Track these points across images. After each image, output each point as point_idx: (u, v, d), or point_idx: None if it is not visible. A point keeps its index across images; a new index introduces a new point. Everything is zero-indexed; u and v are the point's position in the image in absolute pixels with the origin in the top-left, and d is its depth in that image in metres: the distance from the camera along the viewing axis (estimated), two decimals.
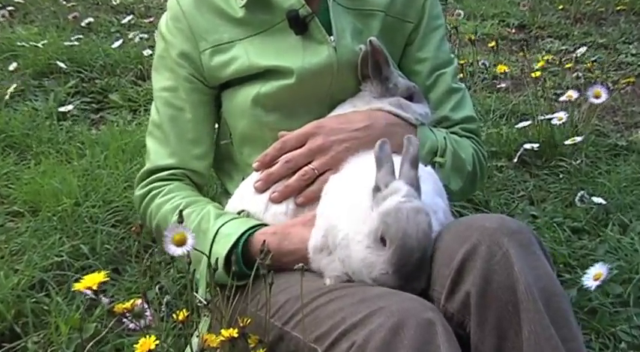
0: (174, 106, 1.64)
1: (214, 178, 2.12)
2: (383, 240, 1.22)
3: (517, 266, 1.16)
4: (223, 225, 1.45)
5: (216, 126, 1.73)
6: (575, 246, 2.14)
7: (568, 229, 2.22)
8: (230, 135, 1.68)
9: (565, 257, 2.07)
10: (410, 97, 1.62)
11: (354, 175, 1.40)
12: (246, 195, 1.55)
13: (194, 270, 1.33)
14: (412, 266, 1.20)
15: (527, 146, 2.40)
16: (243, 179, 1.62)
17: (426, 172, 1.40)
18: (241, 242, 1.42)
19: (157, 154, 1.65)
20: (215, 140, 1.72)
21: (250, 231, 1.43)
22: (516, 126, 2.54)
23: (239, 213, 1.52)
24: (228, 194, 1.68)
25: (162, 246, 1.29)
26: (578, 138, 2.63)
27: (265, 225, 1.47)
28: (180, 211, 1.40)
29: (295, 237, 1.40)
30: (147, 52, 3.52)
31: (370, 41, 1.54)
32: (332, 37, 1.57)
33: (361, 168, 1.39)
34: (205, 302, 1.30)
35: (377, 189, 1.28)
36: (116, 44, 3.69)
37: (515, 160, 2.54)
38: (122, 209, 2.25)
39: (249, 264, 1.39)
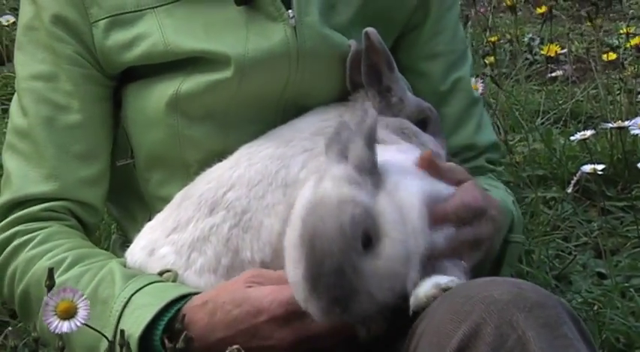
0: (51, 103, 1.67)
1: (105, 218, 2.14)
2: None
3: None
4: (138, 291, 1.49)
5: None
6: None
7: None
8: (131, 154, 1.72)
9: None
10: (422, 124, 1.70)
11: None
12: (159, 242, 1.58)
13: None
14: (328, 276, 1.26)
15: (588, 168, 2.45)
16: (150, 219, 1.66)
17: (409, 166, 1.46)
18: (166, 318, 1.45)
19: (23, 178, 1.67)
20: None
21: (183, 301, 1.46)
22: (572, 138, 2.58)
23: (161, 274, 1.55)
24: (127, 244, 1.71)
25: (29, 322, 1.31)
26: None
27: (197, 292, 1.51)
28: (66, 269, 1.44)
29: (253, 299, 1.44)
30: (5, 19, 3.55)
31: (367, 34, 1.61)
32: (290, 12, 1.63)
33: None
34: None
35: (319, 179, 1.37)
36: None
37: (571, 190, 2.59)
38: None
39: None
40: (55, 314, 1.29)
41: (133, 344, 1.41)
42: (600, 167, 2.51)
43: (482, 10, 3.93)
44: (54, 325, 1.29)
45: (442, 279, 1.34)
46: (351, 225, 1.28)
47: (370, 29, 1.61)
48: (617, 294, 2.27)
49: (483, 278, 1.35)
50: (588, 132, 2.61)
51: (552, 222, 2.64)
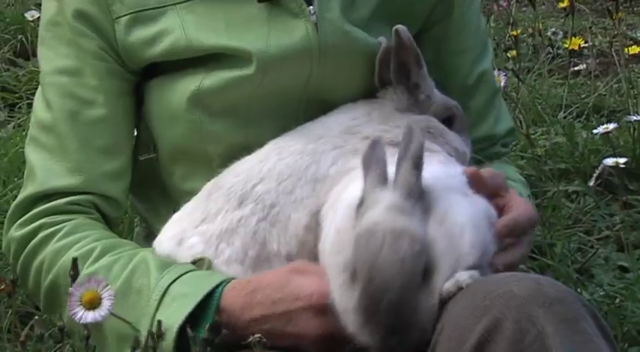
0: (76, 97, 1.69)
1: (128, 212, 2.18)
2: (355, 274, 1.31)
3: (557, 351, 1.22)
4: (175, 280, 1.50)
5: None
6: None
7: None
8: (154, 148, 1.75)
9: None
10: (447, 121, 1.71)
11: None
12: (187, 233, 1.60)
13: None
14: (386, 312, 1.26)
15: (610, 161, 2.45)
16: (174, 212, 1.68)
17: (456, 184, 1.48)
18: (213, 306, 1.46)
19: (47, 172, 1.67)
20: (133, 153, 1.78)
21: (220, 289, 1.47)
22: (595, 131, 2.58)
23: (194, 263, 1.56)
24: (151, 237, 1.74)
25: (56, 313, 1.33)
26: None
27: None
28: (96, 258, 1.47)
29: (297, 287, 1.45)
30: (32, 14, 3.56)
31: (397, 31, 1.62)
32: (312, 8, 1.65)
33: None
34: None
35: (361, 202, 1.37)
36: None
37: (593, 183, 2.59)
38: None
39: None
40: (80, 305, 1.31)
41: (172, 335, 1.43)
42: (623, 160, 2.51)
43: (504, 4, 3.93)
44: (79, 315, 1.31)
45: (462, 276, 1.34)
46: (412, 261, 1.28)
47: (400, 26, 1.62)
48: (639, 287, 2.28)
49: (503, 274, 1.35)
50: (611, 126, 2.60)
51: (574, 216, 2.64)
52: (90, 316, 1.31)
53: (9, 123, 3.05)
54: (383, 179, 1.36)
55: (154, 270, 1.51)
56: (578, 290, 2.21)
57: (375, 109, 1.68)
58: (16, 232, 1.66)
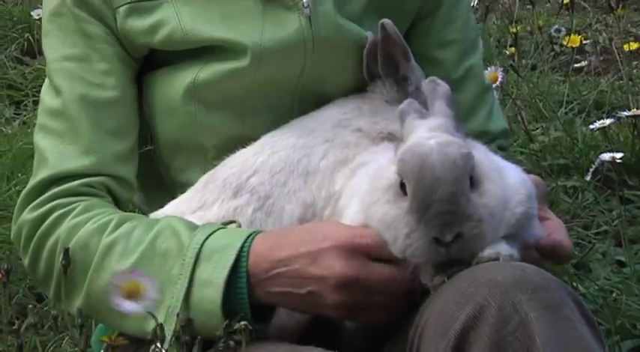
0: (85, 81, 1.70)
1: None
2: (403, 187, 1.35)
3: (540, 338, 1.24)
4: (209, 236, 1.49)
5: None
6: None
7: None
8: (152, 140, 1.77)
9: None
10: None
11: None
12: (185, 216, 1.62)
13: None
14: (440, 203, 1.30)
15: (607, 156, 2.46)
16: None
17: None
18: (245, 255, 1.46)
19: (60, 155, 1.67)
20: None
21: (253, 235, 1.49)
22: (592, 127, 2.59)
23: (225, 225, 1.56)
24: None
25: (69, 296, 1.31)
26: None
27: None
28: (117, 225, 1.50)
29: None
30: (38, 13, 3.57)
31: (382, 25, 1.65)
32: (305, 1, 1.67)
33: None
34: None
35: (401, 140, 1.44)
36: None
37: (590, 177, 2.60)
38: None
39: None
40: (123, 295, 1.30)
41: (221, 288, 1.43)
42: (619, 155, 2.52)
43: (508, 1, 3.95)
44: (126, 306, 1.31)
45: (505, 250, 1.37)
46: (462, 160, 1.33)
47: (386, 20, 1.64)
48: (635, 281, 2.28)
49: (491, 263, 1.36)
50: (608, 121, 2.62)
51: (572, 211, 2.65)
52: (135, 306, 1.31)
53: (14, 121, 3.07)
54: (421, 116, 1.44)
55: (184, 231, 1.51)
56: (574, 284, 2.22)
57: (365, 103, 1.71)
58: (27, 215, 1.63)
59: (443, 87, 1.49)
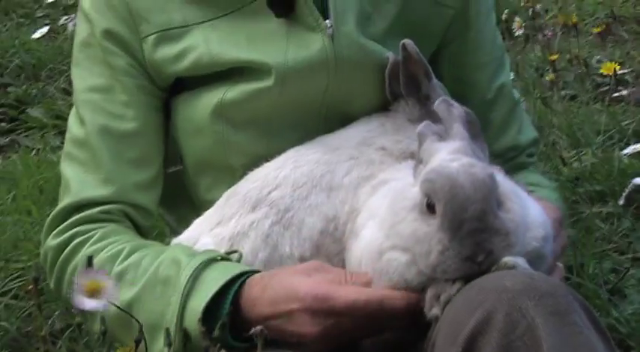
0: (107, 113, 1.76)
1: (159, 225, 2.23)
2: (431, 207, 1.39)
3: (547, 342, 1.26)
4: (205, 267, 1.53)
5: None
6: None
7: None
8: (181, 160, 1.82)
9: None
10: None
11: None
12: (203, 235, 1.67)
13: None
14: (471, 221, 1.33)
15: (638, 181, 2.46)
16: None
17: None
18: (232, 291, 1.50)
19: (81, 183, 1.74)
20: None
21: (244, 277, 1.52)
22: (624, 151, 2.59)
23: (228, 254, 1.60)
24: None
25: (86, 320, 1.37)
26: None
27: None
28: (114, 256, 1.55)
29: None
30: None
31: (403, 45, 1.67)
32: (328, 22, 1.71)
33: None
34: None
35: (419, 162, 1.48)
36: (39, 33, 3.81)
37: (622, 201, 2.59)
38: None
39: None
40: (84, 293, 1.35)
41: (194, 317, 1.48)
42: None
43: (550, 34, 3.95)
44: (81, 303, 1.35)
45: (523, 262, 1.39)
46: (489, 180, 1.38)
47: (407, 40, 1.67)
48: None
49: (500, 272, 1.38)
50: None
51: (607, 237, 2.64)
52: (92, 303, 1.35)
53: (60, 150, 3.14)
54: (440, 138, 1.48)
55: (183, 257, 1.56)
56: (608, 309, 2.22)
57: (388, 120, 1.73)
58: (52, 241, 1.72)
59: (457, 108, 1.53)
